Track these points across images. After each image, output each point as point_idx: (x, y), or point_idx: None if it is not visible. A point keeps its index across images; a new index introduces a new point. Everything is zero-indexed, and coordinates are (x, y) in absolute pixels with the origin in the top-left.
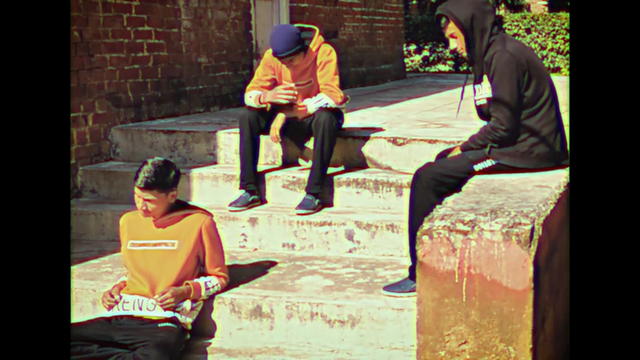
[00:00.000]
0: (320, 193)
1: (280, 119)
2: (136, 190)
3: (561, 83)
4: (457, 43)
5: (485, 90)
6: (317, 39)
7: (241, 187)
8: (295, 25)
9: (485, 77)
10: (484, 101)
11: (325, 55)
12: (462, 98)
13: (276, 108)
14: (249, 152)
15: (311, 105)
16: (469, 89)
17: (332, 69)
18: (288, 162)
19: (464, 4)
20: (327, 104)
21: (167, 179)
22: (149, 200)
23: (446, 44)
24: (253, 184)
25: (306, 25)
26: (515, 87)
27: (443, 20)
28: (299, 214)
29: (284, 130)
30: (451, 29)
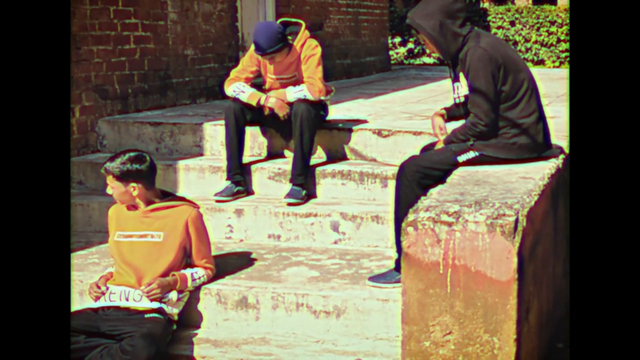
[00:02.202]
0: (305, 184)
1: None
2: None
3: (544, 75)
4: (431, 49)
5: (464, 87)
6: (302, 34)
7: (228, 178)
8: (282, 19)
9: (461, 75)
10: (464, 99)
11: (310, 49)
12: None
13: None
14: (235, 143)
15: (290, 94)
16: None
17: (315, 63)
18: (273, 153)
19: (430, 12)
20: (305, 96)
21: (123, 169)
22: (109, 185)
23: None
24: (239, 175)
25: (292, 20)
26: (491, 81)
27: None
28: (288, 204)
29: (269, 121)
30: (422, 37)
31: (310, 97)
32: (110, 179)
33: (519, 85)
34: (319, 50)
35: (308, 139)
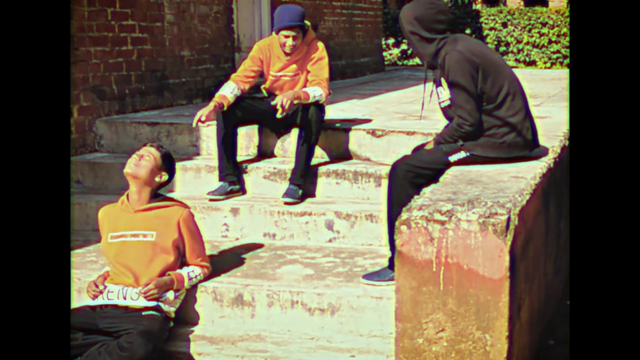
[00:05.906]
0: (302, 184)
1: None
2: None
3: (536, 76)
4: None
5: (446, 92)
6: (310, 33)
7: (220, 179)
8: None
9: (443, 80)
10: (448, 102)
11: (320, 51)
12: (424, 97)
13: (250, 95)
14: (225, 143)
15: (312, 95)
16: (431, 89)
17: (327, 65)
18: (269, 153)
19: (413, 13)
20: (320, 98)
21: (169, 156)
22: (145, 154)
23: None
24: (232, 175)
25: None
26: (471, 82)
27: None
28: (286, 203)
29: (264, 121)
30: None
31: (323, 99)
32: (153, 150)
33: (501, 85)
34: (326, 52)
35: (315, 141)
